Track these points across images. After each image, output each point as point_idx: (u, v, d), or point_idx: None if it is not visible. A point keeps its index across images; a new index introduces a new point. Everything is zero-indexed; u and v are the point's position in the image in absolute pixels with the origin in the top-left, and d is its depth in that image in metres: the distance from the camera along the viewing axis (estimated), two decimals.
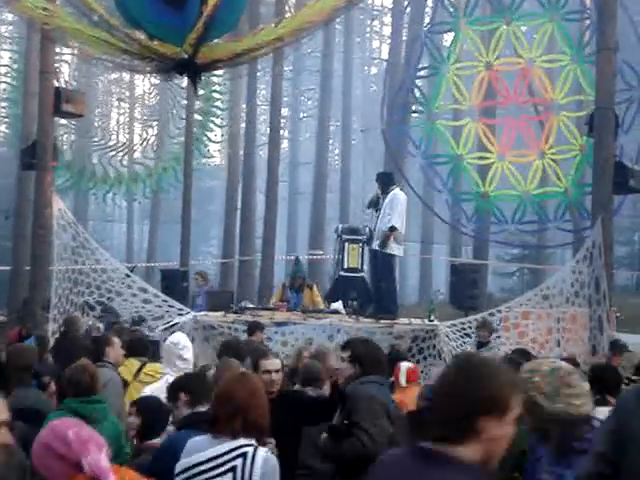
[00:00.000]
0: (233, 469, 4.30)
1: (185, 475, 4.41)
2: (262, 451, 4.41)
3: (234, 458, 4.33)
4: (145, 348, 9.15)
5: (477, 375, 2.83)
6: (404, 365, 8.18)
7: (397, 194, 14.76)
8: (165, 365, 7.35)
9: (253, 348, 9.45)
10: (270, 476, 4.39)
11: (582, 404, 4.22)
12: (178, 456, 4.70)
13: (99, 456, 3.39)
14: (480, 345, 12.96)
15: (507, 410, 2.81)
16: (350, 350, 6.15)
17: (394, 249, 14.64)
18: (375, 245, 14.70)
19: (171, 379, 6.97)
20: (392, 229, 14.36)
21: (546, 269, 29.90)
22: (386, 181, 15.06)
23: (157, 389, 6.99)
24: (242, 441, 4.36)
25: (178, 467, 4.46)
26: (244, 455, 4.33)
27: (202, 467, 4.35)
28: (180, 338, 7.61)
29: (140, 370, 8.53)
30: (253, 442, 4.39)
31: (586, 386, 4.38)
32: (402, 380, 8.00)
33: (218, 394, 4.65)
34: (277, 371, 6.67)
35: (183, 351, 7.28)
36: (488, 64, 17.84)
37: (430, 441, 2.82)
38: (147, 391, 7.06)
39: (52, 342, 11.71)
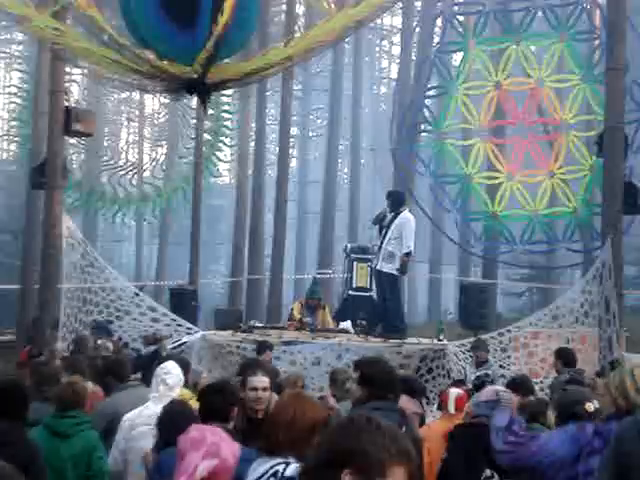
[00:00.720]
0: None
1: None
2: (293, 466, 4.38)
3: (268, 476, 4.30)
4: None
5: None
6: (453, 392, 7.77)
7: (407, 217, 14.71)
8: (152, 391, 7.23)
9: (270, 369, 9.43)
10: None
11: None
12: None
13: (197, 460, 3.38)
14: (479, 364, 12.86)
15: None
16: (360, 370, 5.88)
17: (393, 269, 14.60)
18: (379, 265, 14.66)
19: (152, 406, 6.89)
20: (408, 255, 14.39)
21: (555, 289, 29.79)
22: (397, 200, 15.03)
23: (136, 416, 6.89)
24: (278, 459, 4.35)
25: None
26: (275, 474, 4.30)
27: None
28: (169, 364, 7.47)
29: None
30: (289, 460, 4.35)
31: None
32: (451, 407, 7.62)
33: (271, 413, 4.61)
34: (264, 389, 6.44)
35: (167, 376, 7.12)
36: (497, 84, 17.86)
37: None
38: (125, 420, 6.94)
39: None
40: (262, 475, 4.31)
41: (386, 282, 14.63)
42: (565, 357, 10.67)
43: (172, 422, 5.57)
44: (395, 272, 14.51)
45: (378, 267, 14.72)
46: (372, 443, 2.51)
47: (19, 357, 12.49)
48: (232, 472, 3.56)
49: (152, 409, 6.74)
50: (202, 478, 3.42)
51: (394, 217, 14.71)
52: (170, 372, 7.17)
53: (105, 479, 6.61)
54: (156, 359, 9.76)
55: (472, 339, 14.38)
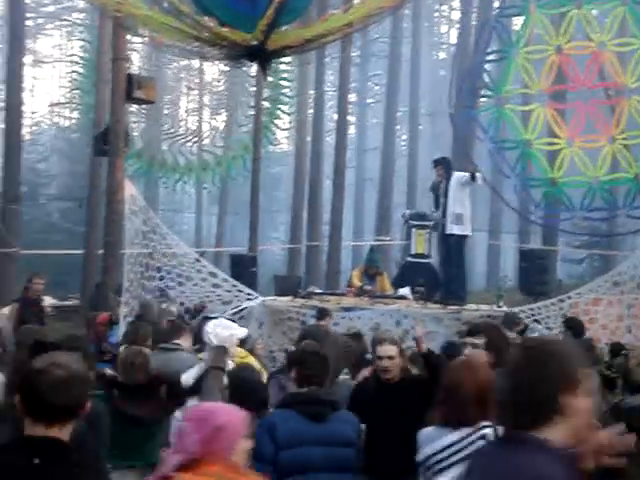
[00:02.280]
0: None
1: (427, 464, 4.54)
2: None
3: (475, 440, 4.41)
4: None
5: (546, 355, 2.84)
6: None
7: (459, 175, 14.87)
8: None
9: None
10: None
11: None
12: (277, 438, 4.89)
13: (170, 458, 3.49)
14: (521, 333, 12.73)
15: (578, 383, 2.81)
16: (486, 337, 5.87)
17: (461, 230, 14.64)
18: (448, 229, 14.66)
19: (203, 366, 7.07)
20: (473, 177, 14.52)
21: (616, 255, 29.47)
22: (449, 165, 15.13)
23: (188, 376, 7.03)
24: (470, 428, 4.45)
25: (418, 458, 4.59)
26: (484, 436, 4.41)
27: (440, 456, 4.45)
28: (210, 325, 7.59)
29: None
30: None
31: None
32: None
33: (447, 383, 4.64)
34: (389, 357, 6.59)
35: (207, 338, 7.27)
36: (558, 48, 17.62)
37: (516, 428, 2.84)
38: (183, 379, 7.09)
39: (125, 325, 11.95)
40: (463, 438, 4.41)
41: (454, 246, 14.63)
42: (575, 328, 10.62)
43: (240, 385, 5.73)
44: (464, 232, 14.59)
45: (448, 230, 14.69)
46: (568, 362, 2.87)
47: (95, 320, 12.61)
48: (208, 457, 3.60)
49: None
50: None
51: (448, 182, 14.75)
52: (209, 333, 7.30)
53: None
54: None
55: (531, 305, 14.35)
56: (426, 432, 4.64)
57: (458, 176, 14.80)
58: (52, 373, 3.33)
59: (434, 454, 4.46)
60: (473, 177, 14.65)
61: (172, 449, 3.53)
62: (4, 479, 3.21)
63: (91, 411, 3.55)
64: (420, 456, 4.55)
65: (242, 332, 7.39)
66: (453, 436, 4.42)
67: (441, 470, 4.43)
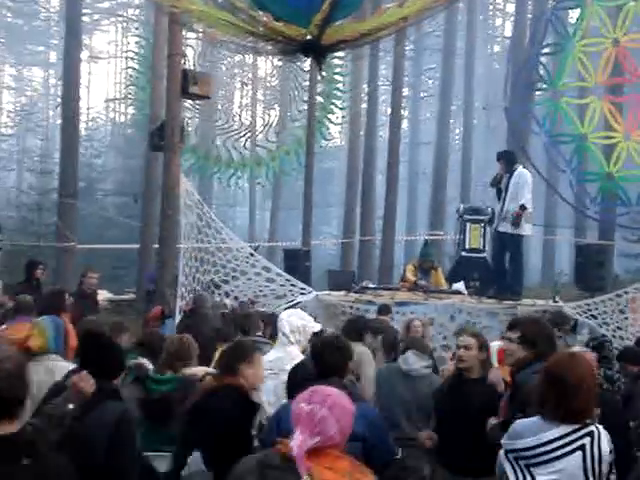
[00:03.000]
0: (582, 447, 4.41)
1: (524, 454, 4.51)
2: (603, 430, 4.50)
3: (582, 437, 4.42)
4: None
5: None
6: (495, 345, 7.77)
7: (523, 173, 14.70)
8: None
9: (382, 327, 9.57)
10: (611, 455, 4.51)
11: None
12: (280, 428, 4.86)
13: (305, 439, 3.46)
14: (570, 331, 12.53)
15: None
16: (521, 330, 5.85)
17: (525, 229, 14.54)
18: (503, 227, 14.57)
19: (272, 353, 7.19)
20: (522, 208, 14.28)
21: None
22: (510, 159, 14.97)
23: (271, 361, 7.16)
24: (575, 425, 4.44)
25: (513, 446, 4.57)
26: (591, 434, 4.43)
27: (543, 449, 4.43)
28: (285, 312, 7.74)
29: None
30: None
31: None
32: (494, 361, 7.66)
33: (548, 375, 4.60)
34: (466, 347, 6.66)
35: (281, 323, 7.40)
36: (615, 40, 17.40)
37: None
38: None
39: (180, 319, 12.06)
40: (568, 434, 4.40)
41: (511, 242, 14.53)
42: None
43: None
44: (519, 232, 14.48)
45: (500, 228, 14.62)
46: None
47: (153, 313, 12.75)
48: (344, 439, 3.61)
49: (272, 355, 7.09)
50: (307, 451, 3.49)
51: (510, 177, 14.65)
52: (283, 320, 7.40)
53: None
54: None
55: (588, 300, 14.21)
56: (528, 422, 4.61)
57: (521, 173, 14.65)
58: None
59: (537, 446, 4.42)
60: (514, 223, 14.46)
61: (302, 428, 3.52)
62: None
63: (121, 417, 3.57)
64: (517, 445, 4.51)
65: (317, 326, 7.48)
66: (560, 430, 4.40)
67: (541, 463, 4.42)
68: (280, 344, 7.28)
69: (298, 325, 7.37)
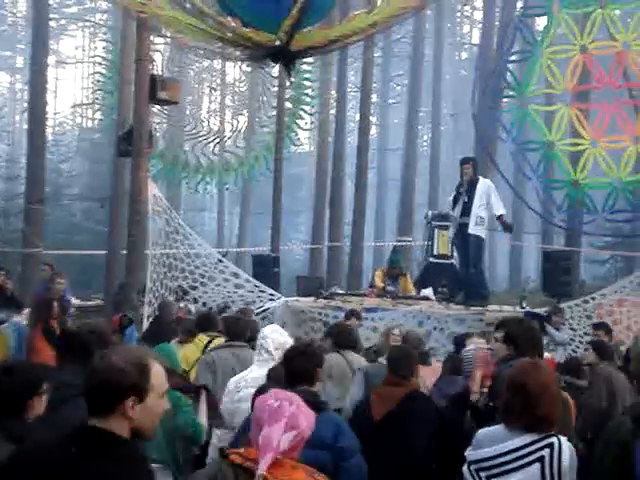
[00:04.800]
0: (541, 459, 4.31)
1: (485, 465, 4.44)
2: (565, 440, 4.42)
3: (541, 448, 4.33)
4: (210, 323, 9.28)
5: None
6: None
7: (488, 182, 14.91)
8: (255, 355, 7.46)
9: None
10: (574, 467, 4.41)
11: None
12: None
13: (279, 434, 3.45)
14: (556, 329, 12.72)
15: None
16: (505, 330, 6.04)
17: (483, 232, 14.68)
18: (475, 230, 14.65)
19: (255, 369, 7.12)
20: (501, 217, 14.57)
21: (639, 256, 29.33)
22: (477, 166, 15.12)
23: (242, 379, 7.12)
24: (536, 435, 4.37)
25: (474, 456, 4.50)
26: (551, 445, 4.34)
27: (503, 459, 4.36)
28: (267, 329, 7.67)
29: (209, 344, 8.75)
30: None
31: None
32: None
33: (510, 384, 4.56)
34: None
35: (264, 341, 7.32)
36: (583, 48, 17.53)
37: None
38: (232, 382, 7.17)
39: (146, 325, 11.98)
40: (527, 445, 4.32)
41: (474, 246, 14.61)
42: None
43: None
44: (484, 235, 14.67)
45: (470, 231, 14.68)
46: None
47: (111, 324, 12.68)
48: (301, 444, 3.61)
49: (256, 372, 7.01)
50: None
51: (473, 183, 14.75)
52: (267, 337, 7.35)
53: (198, 431, 6.74)
54: None
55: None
56: (489, 432, 4.56)
57: (488, 183, 14.85)
58: None
59: (496, 456, 4.36)
60: (507, 229, 14.81)
61: (274, 423, 3.51)
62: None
63: None
64: (478, 455, 4.46)
65: (291, 341, 7.46)
66: (520, 440, 4.36)
67: (500, 474, 4.36)
68: (262, 360, 7.19)
69: (281, 342, 7.34)
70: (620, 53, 17.62)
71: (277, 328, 7.71)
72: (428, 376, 8.27)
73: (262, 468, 3.36)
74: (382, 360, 7.72)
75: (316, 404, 5.24)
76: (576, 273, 22.45)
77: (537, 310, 14.18)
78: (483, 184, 14.71)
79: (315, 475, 3.59)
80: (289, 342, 7.37)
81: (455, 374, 8.42)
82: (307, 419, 3.56)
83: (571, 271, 17.44)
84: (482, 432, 4.59)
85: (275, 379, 5.89)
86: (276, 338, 7.32)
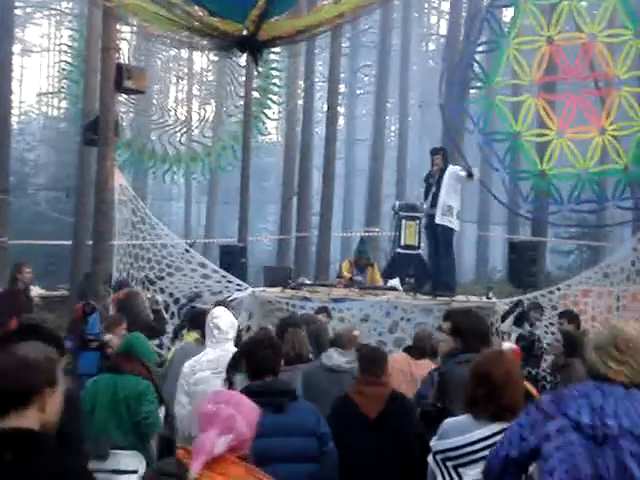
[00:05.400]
0: None
1: (452, 454, 4.46)
2: None
3: None
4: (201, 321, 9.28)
5: None
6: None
7: (455, 169, 14.94)
8: (206, 339, 7.46)
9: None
10: None
11: None
12: None
13: (212, 438, 3.45)
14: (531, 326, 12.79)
15: None
16: (451, 321, 5.85)
17: (451, 223, 14.67)
18: (441, 220, 14.69)
19: (210, 351, 7.14)
20: (470, 175, 14.65)
21: (605, 247, 29.57)
22: (445, 156, 15.17)
23: (196, 362, 7.13)
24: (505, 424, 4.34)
25: (440, 446, 4.51)
26: None
27: (471, 448, 4.38)
28: (217, 309, 7.70)
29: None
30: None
31: None
32: None
33: (475, 374, 4.57)
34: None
35: (218, 320, 7.33)
36: (549, 39, 17.60)
37: None
38: (186, 366, 7.16)
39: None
40: (493, 435, 4.31)
41: (443, 237, 14.64)
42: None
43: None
44: (453, 226, 14.63)
45: (437, 221, 14.70)
46: None
47: (73, 313, 12.60)
48: (249, 442, 3.63)
49: (211, 354, 7.03)
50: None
51: (442, 173, 14.79)
52: (219, 316, 7.36)
53: (154, 424, 6.77)
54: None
55: (521, 297, 14.36)
56: (456, 421, 4.57)
57: (454, 169, 14.86)
58: None
59: (464, 445, 4.39)
60: (470, 175, 14.73)
61: (211, 428, 3.51)
62: None
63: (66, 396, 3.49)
64: (445, 445, 4.48)
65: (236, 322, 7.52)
66: (488, 429, 4.37)
67: (468, 463, 4.37)
68: (215, 342, 7.20)
69: (232, 321, 7.37)
70: (586, 44, 17.71)
71: (224, 309, 7.75)
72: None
73: (193, 472, 3.37)
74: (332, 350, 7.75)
75: (292, 393, 5.28)
76: (542, 264, 22.64)
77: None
78: (450, 172, 14.77)
79: (256, 474, 3.58)
80: (236, 323, 7.47)
81: None
82: (246, 419, 3.58)
83: (537, 262, 17.55)
84: (448, 422, 4.61)
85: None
86: (227, 317, 7.35)
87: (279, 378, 5.42)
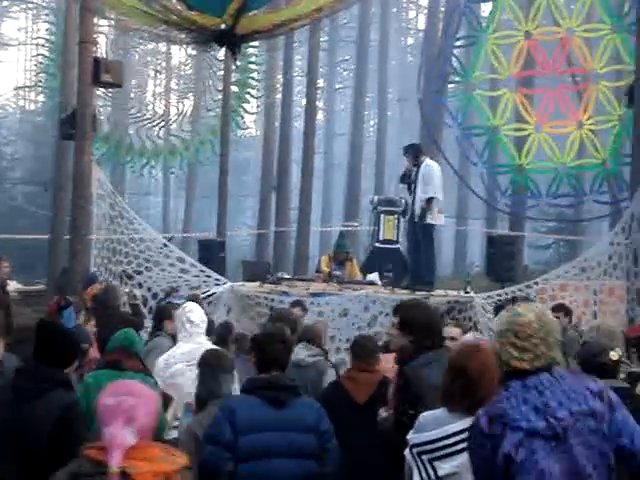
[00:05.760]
0: None
1: (427, 447, 4.42)
2: None
3: None
4: None
5: None
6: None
7: (430, 164, 14.70)
8: (178, 332, 7.45)
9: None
10: None
11: None
12: (235, 423, 4.88)
13: (120, 431, 3.49)
14: None
15: None
16: (400, 315, 5.56)
17: (434, 219, 14.60)
18: (416, 218, 14.66)
19: (183, 345, 7.15)
20: (429, 200, 14.33)
21: (582, 241, 29.72)
22: (416, 152, 14.94)
23: (170, 356, 7.13)
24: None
25: (417, 440, 4.47)
26: None
27: (446, 442, 4.35)
28: (189, 304, 7.73)
29: None
30: None
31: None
32: None
33: (450, 368, 4.54)
34: (451, 339, 6.77)
35: (190, 314, 7.34)
36: (527, 33, 17.68)
37: None
38: (160, 360, 7.16)
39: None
40: (460, 431, 4.27)
41: (423, 232, 14.60)
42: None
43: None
44: (433, 222, 14.54)
45: (416, 219, 14.65)
46: None
47: (48, 308, 12.55)
48: (152, 430, 3.66)
49: (184, 347, 7.04)
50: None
51: (418, 169, 14.70)
52: (192, 310, 7.38)
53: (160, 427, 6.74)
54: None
55: (499, 291, 14.41)
56: (432, 415, 4.54)
57: (428, 165, 14.69)
58: None
59: (439, 439, 4.36)
60: (420, 217, 14.49)
61: (114, 422, 3.54)
62: None
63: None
64: (421, 438, 4.45)
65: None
66: (464, 422, 4.35)
67: (443, 457, 4.37)
68: (187, 335, 7.21)
69: (204, 316, 7.40)
70: (564, 39, 17.81)
71: (195, 304, 7.79)
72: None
73: (113, 465, 3.42)
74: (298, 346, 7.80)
75: (295, 389, 5.26)
76: (520, 258, 22.70)
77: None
78: (422, 168, 14.60)
79: (170, 450, 3.69)
80: (206, 318, 7.52)
81: None
82: (147, 408, 3.62)
83: (515, 256, 17.59)
84: (424, 415, 4.59)
85: None
86: (199, 311, 7.39)
87: (285, 373, 5.39)
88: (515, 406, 3.65)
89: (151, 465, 3.50)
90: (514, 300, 13.08)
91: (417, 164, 14.66)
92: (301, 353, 7.70)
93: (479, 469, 3.74)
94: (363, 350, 6.72)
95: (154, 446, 3.62)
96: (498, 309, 12.35)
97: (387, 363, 8.49)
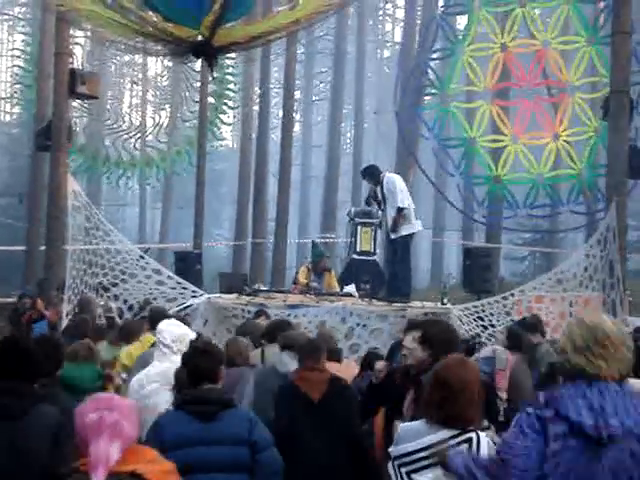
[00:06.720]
0: None
1: (406, 460, 4.42)
2: (484, 436, 4.42)
3: (459, 443, 4.32)
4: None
5: None
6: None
7: (390, 177, 15.03)
8: (155, 352, 7.38)
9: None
10: None
11: None
12: (164, 439, 4.84)
13: (106, 447, 3.46)
14: None
15: None
16: (422, 331, 5.80)
17: (411, 227, 14.72)
18: (393, 235, 14.78)
19: (157, 364, 7.07)
20: (399, 210, 14.50)
21: (558, 253, 29.85)
22: (373, 173, 15.31)
23: (144, 375, 7.05)
24: (456, 430, 4.36)
25: (396, 452, 4.48)
26: (469, 440, 4.34)
27: (424, 453, 4.35)
28: (162, 324, 7.60)
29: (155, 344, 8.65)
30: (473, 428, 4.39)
31: None
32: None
33: (434, 378, 4.56)
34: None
35: (160, 335, 7.27)
36: (503, 46, 17.77)
37: None
38: (134, 381, 7.09)
39: (66, 323, 11.79)
40: (447, 439, 4.31)
41: (399, 243, 14.67)
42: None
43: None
44: (407, 232, 14.65)
45: (392, 237, 14.79)
46: None
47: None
48: (135, 440, 3.67)
49: (158, 367, 6.96)
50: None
51: (381, 187, 14.95)
52: (162, 330, 7.29)
53: None
54: None
55: (475, 303, 14.42)
56: (410, 427, 4.57)
57: (388, 179, 14.93)
58: None
59: (416, 451, 4.37)
60: (393, 229, 14.67)
61: (98, 438, 3.51)
62: None
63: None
64: (399, 451, 4.46)
65: (192, 334, 7.40)
66: (440, 434, 4.37)
67: (420, 469, 4.37)
68: (161, 355, 7.14)
69: (178, 334, 7.28)
70: (540, 51, 17.92)
71: (173, 321, 7.67)
72: (340, 373, 8.26)
73: None
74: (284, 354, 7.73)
75: (225, 402, 5.23)
76: (496, 270, 22.76)
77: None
78: (384, 185, 14.94)
79: (162, 457, 3.72)
80: (189, 333, 7.37)
81: (371, 370, 8.44)
82: (130, 420, 3.61)
83: (491, 267, 17.65)
84: (402, 427, 4.60)
85: None
86: (172, 331, 7.27)
87: (218, 386, 5.36)
88: (573, 397, 3.63)
89: (154, 465, 3.52)
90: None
91: (379, 182, 14.91)
92: (289, 362, 7.61)
93: (516, 446, 3.69)
94: (308, 351, 6.75)
95: (147, 448, 3.66)
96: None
97: (348, 368, 8.51)
